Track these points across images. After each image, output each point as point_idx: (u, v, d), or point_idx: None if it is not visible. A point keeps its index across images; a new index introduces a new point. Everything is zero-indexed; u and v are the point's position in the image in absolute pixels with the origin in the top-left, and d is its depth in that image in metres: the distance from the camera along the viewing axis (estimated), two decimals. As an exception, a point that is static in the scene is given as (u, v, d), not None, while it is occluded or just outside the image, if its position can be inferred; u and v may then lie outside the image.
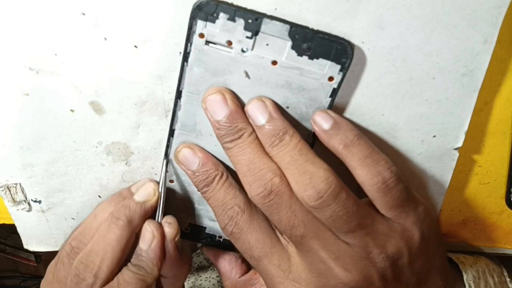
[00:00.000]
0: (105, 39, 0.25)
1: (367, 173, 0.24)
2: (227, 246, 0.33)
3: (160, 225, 0.29)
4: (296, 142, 0.25)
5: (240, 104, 0.26)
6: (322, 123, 0.25)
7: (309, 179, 0.23)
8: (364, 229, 0.24)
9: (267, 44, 0.24)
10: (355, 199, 0.24)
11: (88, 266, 0.27)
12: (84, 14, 0.24)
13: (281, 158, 0.25)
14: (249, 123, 0.25)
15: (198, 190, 0.28)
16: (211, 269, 0.55)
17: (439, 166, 0.29)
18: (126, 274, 0.28)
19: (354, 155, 0.24)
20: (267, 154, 0.25)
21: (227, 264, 0.32)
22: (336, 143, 0.24)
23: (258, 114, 0.25)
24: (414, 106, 0.27)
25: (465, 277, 0.31)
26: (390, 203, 0.25)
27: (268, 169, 0.24)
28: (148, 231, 0.28)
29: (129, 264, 0.28)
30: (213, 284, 0.52)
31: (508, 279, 0.34)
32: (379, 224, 0.25)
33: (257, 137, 0.25)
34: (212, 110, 0.25)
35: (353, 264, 0.25)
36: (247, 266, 0.32)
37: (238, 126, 0.25)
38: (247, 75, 0.25)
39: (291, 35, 0.23)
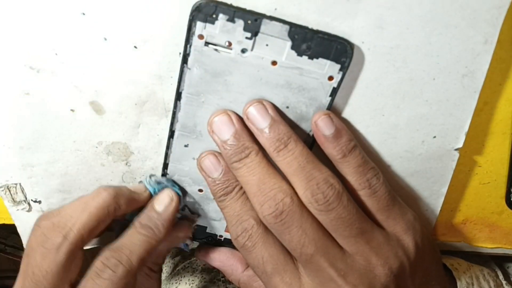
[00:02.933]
0: (105, 39, 0.25)
1: (357, 179, 0.26)
2: (227, 245, 0.33)
3: (177, 195, 0.29)
4: (301, 149, 0.25)
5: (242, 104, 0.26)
6: (324, 129, 0.25)
7: (316, 185, 0.25)
8: (365, 234, 0.25)
9: (267, 45, 0.24)
10: (354, 204, 0.25)
11: (58, 226, 0.26)
12: (84, 14, 0.24)
13: (288, 164, 0.25)
14: (256, 141, 0.26)
15: (215, 198, 0.28)
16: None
17: (439, 167, 0.29)
18: (133, 235, 0.27)
19: (349, 164, 0.26)
20: (276, 172, 0.26)
21: (226, 260, 0.32)
22: (335, 152, 0.26)
23: (260, 118, 0.25)
24: (414, 106, 0.27)
25: (458, 284, 0.31)
26: (376, 206, 0.26)
27: (279, 189, 0.25)
28: (168, 195, 0.29)
29: (136, 223, 0.28)
30: None
31: (504, 282, 0.34)
32: (377, 231, 0.26)
33: (265, 155, 0.26)
34: (219, 131, 0.26)
35: (360, 279, 0.25)
36: None
37: (245, 144, 0.25)
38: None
39: (291, 35, 0.23)
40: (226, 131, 0.25)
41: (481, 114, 0.28)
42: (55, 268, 0.25)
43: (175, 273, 0.51)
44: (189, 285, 0.47)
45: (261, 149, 0.26)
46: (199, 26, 0.23)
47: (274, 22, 0.23)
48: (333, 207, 0.24)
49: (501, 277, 0.34)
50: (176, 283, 0.49)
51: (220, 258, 0.32)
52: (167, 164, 0.29)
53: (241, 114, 0.26)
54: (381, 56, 0.25)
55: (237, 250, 0.31)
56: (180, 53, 0.25)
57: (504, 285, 0.34)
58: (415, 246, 0.27)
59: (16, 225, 0.33)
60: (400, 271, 0.26)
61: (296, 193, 0.25)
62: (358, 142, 0.27)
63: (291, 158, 0.25)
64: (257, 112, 0.25)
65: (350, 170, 0.26)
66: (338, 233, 0.25)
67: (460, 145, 0.28)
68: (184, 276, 0.49)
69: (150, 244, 0.27)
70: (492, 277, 0.34)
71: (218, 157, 0.27)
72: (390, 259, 0.26)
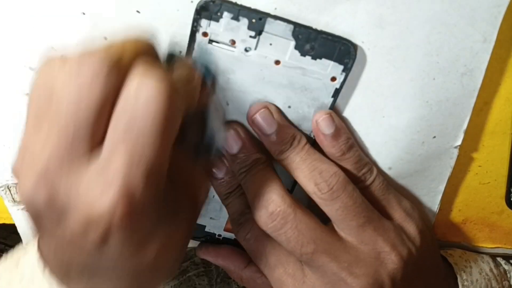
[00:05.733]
0: (105, 38, 0.25)
1: (354, 175, 0.27)
2: (226, 244, 0.33)
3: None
4: (303, 144, 0.26)
5: (244, 102, 0.26)
6: (324, 128, 0.26)
7: (319, 174, 0.25)
8: (372, 223, 0.26)
9: (271, 44, 0.24)
10: (359, 193, 0.26)
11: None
12: (84, 13, 0.24)
13: (291, 160, 0.26)
14: (262, 148, 0.26)
15: (220, 197, 0.28)
16: None
17: (438, 165, 0.29)
18: None
19: (348, 162, 0.26)
20: (276, 179, 0.26)
21: (227, 258, 0.32)
22: (333, 151, 0.26)
23: (266, 125, 0.26)
24: (415, 108, 0.27)
25: (455, 268, 0.31)
26: (372, 197, 0.27)
27: (272, 192, 0.25)
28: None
29: None
30: None
31: (503, 261, 0.34)
32: (383, 220, 0.26)
33: (268, 164, 0.26)
34: (227, 145, 0.26)
35: (365, 268, 0.25)
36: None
37: (252, 157, 0.26)
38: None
39: (295, 35, 0.23)
40: (233, 145, 0.26)
41: (481, 114, 0.28)
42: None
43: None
44: None
45: (267, 155, 0.26)
46: (204, 23, 0.23)
47: (278, 22, 0.23)
48: (337, 195, 0.25)
49: (498, 258, 0.34)
50: None
51: (221, 255, 0.32)
52: None
53: (243, 113, 0.26)
54: (381, 56, 0.25)
55: (237, 247, 0.31)
56: (180, 52, 0.25)
57: (503, 264, 0.34)
58: (419, 233, 0.27)
59: (16, 225, 0.33)
60: (408, 258, 0.26)
61: (288, 194, 0.25)
62: (358, 144, 0.28)
63: (293, 154, 0.26)
64: (263, 119, 0.25)
65: (347, 167, 0.26)
66: (345, 223, 0.25)
67: (459, 142, 0.28)
68: None
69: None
70: (491, 258, 0.34)
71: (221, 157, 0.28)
72: (398, 246, 0.26)
